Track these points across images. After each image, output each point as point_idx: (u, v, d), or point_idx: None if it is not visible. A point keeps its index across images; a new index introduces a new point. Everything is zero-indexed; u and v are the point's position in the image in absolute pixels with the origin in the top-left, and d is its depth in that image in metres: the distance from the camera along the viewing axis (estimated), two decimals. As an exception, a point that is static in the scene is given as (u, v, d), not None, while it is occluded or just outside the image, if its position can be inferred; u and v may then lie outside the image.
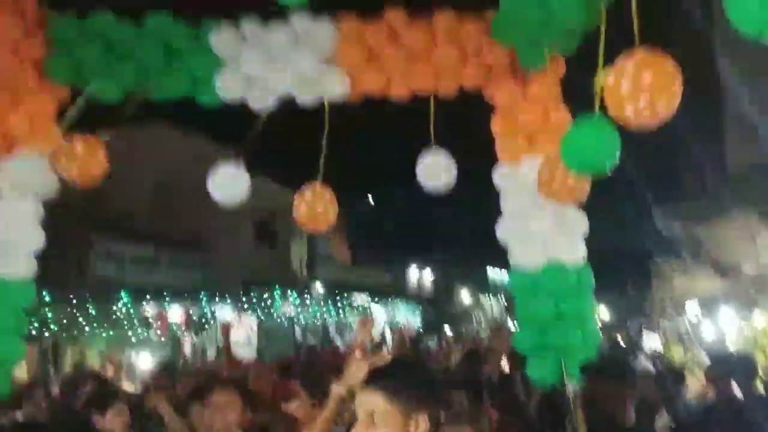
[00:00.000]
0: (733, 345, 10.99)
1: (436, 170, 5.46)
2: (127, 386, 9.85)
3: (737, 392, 4.93)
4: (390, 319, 28.18)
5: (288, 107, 5.64)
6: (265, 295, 19.61)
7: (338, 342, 23.14)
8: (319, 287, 23.90)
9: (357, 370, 2.67)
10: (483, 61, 5.32)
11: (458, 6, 5.32)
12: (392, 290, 30.99)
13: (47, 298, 12.14)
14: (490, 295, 43.18)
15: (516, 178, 5.36)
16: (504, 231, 5.54)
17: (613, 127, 3.68)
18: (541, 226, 5.25)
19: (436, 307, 35.31)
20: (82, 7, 5.35)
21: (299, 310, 21.29)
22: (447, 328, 31.78)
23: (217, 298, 17.99)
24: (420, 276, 37.03)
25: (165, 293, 16.15)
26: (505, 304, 40.19)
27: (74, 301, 13.51)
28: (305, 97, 5.48)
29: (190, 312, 16.91)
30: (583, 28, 4.62)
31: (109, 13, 5.33)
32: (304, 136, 6.38)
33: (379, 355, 2.72)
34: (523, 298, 5.40)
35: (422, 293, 35.88)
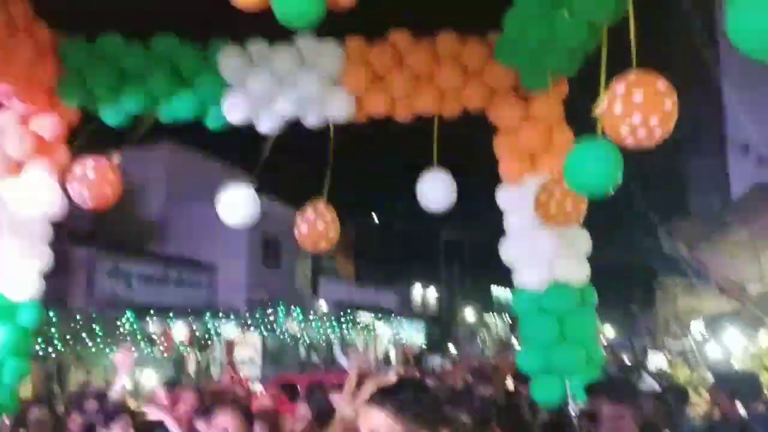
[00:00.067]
0: (738, 364, 10.93)
1: (435, 190, 5.49)
2: (132, 403, 9.85)
3: (741, 411, 4.92)
4: (394, 337, 28.09)
5: (294, 127, 5.70)
6: (270, 313, 19.60)
7: (342, 360, 23.06)
8: (323, 305, 23.88)
9: (361, 391, 2.69)
10: (486, 82, 5.39)
11: (462, 28, 5.39)
12: (396, 308, 30.91)
13: (53, 317, 12.17)
14: (495, 313, 43.01)
15: (519, 197, 5.40)
16: (508, 250, 5.58)
17: (615, 148, 3.73)
18: (545, 246, 5.29)
19: (441, 325, 35.19)
20: (92, 31, 5.44)
21: (303, 328, 21.25)
22: (451, 346, 31.65)
23: (221, 316, 18.00)
24: (424, 294, 36.92)
25: (170, 311, 16.18)
26: (510, 322, 40.02)
27: (79, 320, 13.54)
28: (311, 119, 5.54)
29: (195, 330, 16.91)
30: (585, 51, 4.68)
31: (118, 36, 5.41)
32: (310, 156, 6.45)
33: (384, 377, 2.74)
34: (527, 318, 5.43)
35: (427, 311, 35.76)
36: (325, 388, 8.10)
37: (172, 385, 10.57)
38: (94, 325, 13.83)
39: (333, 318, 23.17)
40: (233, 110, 5.48)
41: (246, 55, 5.40)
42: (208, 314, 17.37)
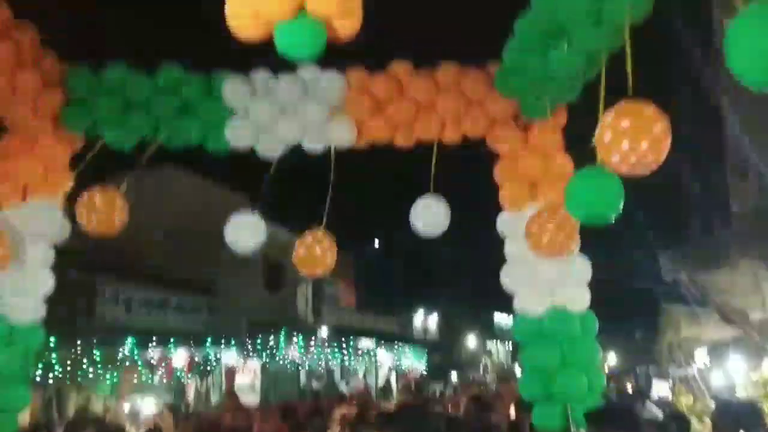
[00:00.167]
0: (742, 392, 10.88)
1: (428, 215, 5.51)
2: (131, 430, 9.81)
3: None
4: (395, 363, 27.93)
5: (297, 154, 5.77)
6: (271, 340, 19.53)
7: (343, 387, 22.92)
8: (324, 331, 23.79)
9: None
10: (486, 111, 5.46)
11: (462, 58, 5.48)
12: (398, 335, 30.77)
13: (52, 342, 12.15)
14: (497, 340, 42.79)
15: (519, 224, 5.42)
16: (508, 277, 5.60)
17: (615, 176, 3.78)
18: (545, 273, 5.31)
19: (443, 352, 34.99)
20: (98, 60, 5.53)
21: (304, 354, 21.16)
22: (453, 373, 31.45)
23: (222, 342, 17.94)
24: (426, 320, 36.79)
25: (171, 337, 16.13)
26: (512, 349, 39.81)
27: (80, 345, 13.50)
28: (313, 146, 5.61)
29: (195, 356, 16.85)
30: (584, 80, 4.74)
31: (124, 65, 5.50)
32: (311, 181, 6.51)
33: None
34: (528, 345, 5.43)
35: (428, 338, 35.60)
36: (325, 415, 8.09)
37: (176, 410, 10.53)
38: (93, 351, 13.79)
39: (334, 344, 23.08)
40: (236, 136, 5.55)
41: (249, 83, 5.48)
42: (208, 340, 17.31)
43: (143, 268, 18.83)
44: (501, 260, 5.72)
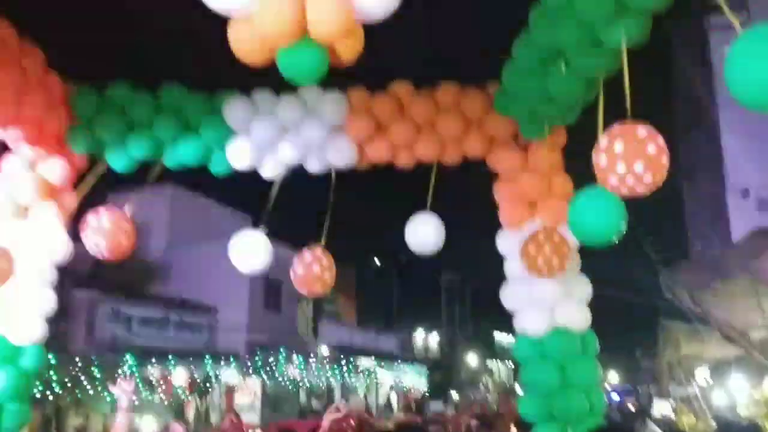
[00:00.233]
0: (743, 411, 10.84)
1: (423, 233, 5.54)
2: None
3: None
4: (396, 382, 27.81)
5: (297, 172, 5.81)
6: (271, 358, 19.48)
7: (342, 406, 22.80)
8: (324, 350, 23.72)
9: None
10: (486, 131, 5.51)
11: (462, 79, 5.54)
12: (398, 353, 30.67)
13: (52, 360, 12.13)
14: (498, 359, 42.63)
15: (519, 244, 5.45)
16: (508, 296, 5.62)
17: (616, 197, 3.82)
18: (546, 292, 5.33)
19: (443, 370, 34.85)
20: (102, 81, 5.59)
21: (304, 373, 21.09)
22: (454, 392, 31.31)
23: (222, 361, 17.89)
24: (426, 339, 36.67)
25: (171, 355, 16.09)
26: (513, 368, 39.64)
27: (79, 363, 13.47)
28: (314, 165, 5.65)
29: (195, 375, 16.79)
30: (582, 102, 4.80)
31: (127, 86, 5.56)
32: (311, 200, 6.55)
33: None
34: (528, 364, 5.44)
35: (429, 356, 35.47)
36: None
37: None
38: (93, 369, 13.76)
39: (334, 362, 23.00)
40: (238, 156, 5.59)
41: (251, 104, 5.53)
42: (208, 358, 17.27)
43: (143, 286, 18.85)
44: (502, 279, 5.74)
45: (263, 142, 5.49)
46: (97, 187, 5.86)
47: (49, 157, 5.46)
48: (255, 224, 5.78)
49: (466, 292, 39.61)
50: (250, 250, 5.44)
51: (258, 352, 19.24)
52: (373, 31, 3.33)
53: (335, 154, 5.55)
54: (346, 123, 5.52)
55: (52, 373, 12.59)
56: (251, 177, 5.77)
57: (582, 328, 5.38)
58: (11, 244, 5.16)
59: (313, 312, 25.45)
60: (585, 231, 4.25)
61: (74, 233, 5.55)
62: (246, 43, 3.24)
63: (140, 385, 14.82)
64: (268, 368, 19.35)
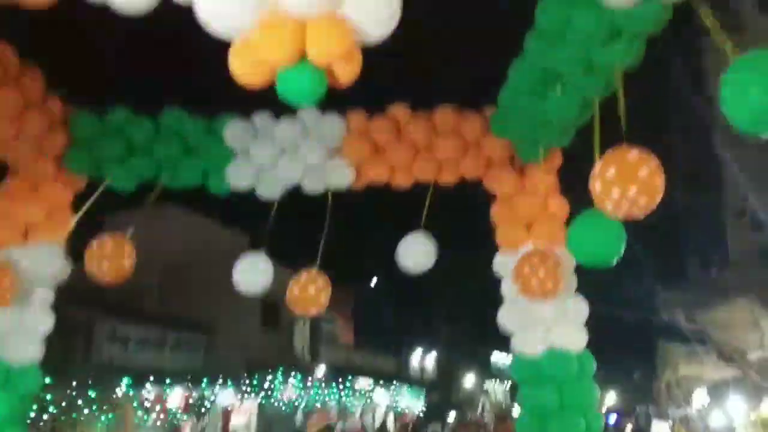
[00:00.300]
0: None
1: (415, 252, 5.57)
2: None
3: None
4: (392, 403, 27.63)
5: (295, 192, 5.85)
6: (268, 379, 19.37)
7: (340, 427, 22.65)
8: (321, 371, 23.59)
9: None
10: (483, 153, 5.56)
11: (459, 102, 5.60)
12: (395, 374, 30.51)
13: (48, 380, 12.04)
14: (495, 379, 42.39)
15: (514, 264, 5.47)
16: (505, 318, 5.62)
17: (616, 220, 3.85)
18: (542, 313, 5.34)
19: (440, 391, 34.65)
20: (102, 103, 5.64)
21: (301, 393, 20.96)
22: (451, 413, 31.10)
23: (219, 382, 17.78)
24: (424, 359, 36.49)
25: (167, 376, 15.99)
26: (510, 389, 39.44)
27: (75, 384, 13.38)
28: (312, 187, 5.69)
29: (191, 396, 16.68)
30: (577, 124, 4.85)
31: (127, 108, 5.61)
32: (309, 220, 6.58)
33: None
34: (525, 386, 5.43)
35: (426, 377, 35.27)
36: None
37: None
38: (89, 390, 13.66)
39: (331, 383, 22.88)
40: (236, 177, 5.64)
41: (251, 125, 5.58)
42: (205, 380, 17.16)
43: (140, 306, 18.77)
44: (499, 299, 5.76)
45: (262, 164, 5.54)
46: (94, 208, 5.88)
47: (48, 179, 5.48)
48: (253, 244, 5.82)
49: (464, 312, 39.50)
50: (255, 272, 5.48)
51: (255, 373, 19.13)
52: (371, 54, 3.37)
53: (333, 176, 5.59)
54: (344, 144, 5.57)
55: (47, 394, 12.49)
56: (247, 197, 5.81)
57: (579, 349, 5.38)
58: (10, 265, 5.17)
59: (310, 332, 25.34)
60: (585, 254, 4.29)
61: (71, 253, 5.59)
62: (245, 65, 3.27)
63: (137, 407, 14.72)
64: (265, 389, 19.24)
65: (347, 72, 3.33)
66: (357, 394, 24.60)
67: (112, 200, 5.97)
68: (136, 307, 18.47)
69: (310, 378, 21.61)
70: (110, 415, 14.29)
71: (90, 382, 13.66)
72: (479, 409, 37.01)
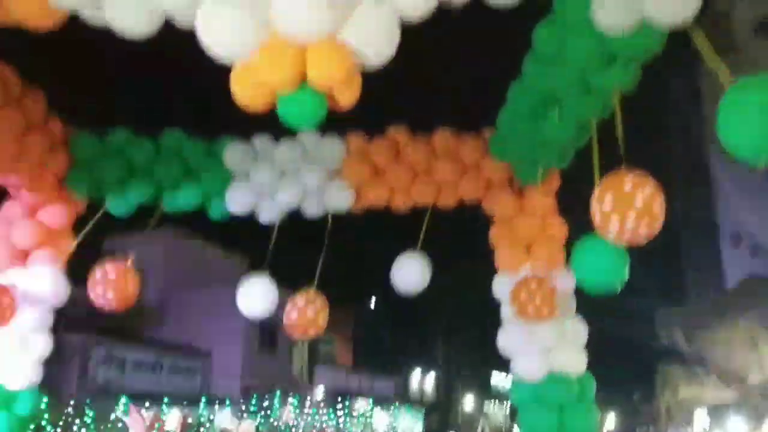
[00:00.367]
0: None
1: (408, 272, 5.56)
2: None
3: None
4: (391, 425, 27.41)
5: (294, 215, 5.85)
6: (266, 401, 19.24)
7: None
8: (320, 392, 23.46)
9: None
10: (481, 175, 5.59)
11: (457, 125, 5.63)
12: (394, 395, 30.32)
13: (44, 403, 11.96)
14: (495, 400, 42.10)
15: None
16: (504, 340, 5.61)
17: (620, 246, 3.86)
18: (542, 336, 5.32)
19: (440, 413, 34.40)
20: (103, 123, 5.67)
21: (299, 415, 20.81)
22: (452, 436, 30.84)
23: (216, 404, 17.67)
24: (423, 381, 36.28)
25: (164, 399, 15.89)
26: (509, 410, 39.16)
27: (72, 406, 13.30)
28: (311, 210, 5.70)
29: (188, 418, 16.56)
30: (575, 147, 4.88)
31: (128, 130, 5.63)
32: (307, 242, 6.59)
33: None
34: (526, 409, 5.41)
35: (425, 399, 35.04)
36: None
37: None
38: (85, 413, 13.58)
39: (329, 406, 22.73)
40: (236, 201, 5.64)
41: (251, 148, 5.61)
42: (202, 402, 17.06)
43: (137, 329, 18.71)
44: (498, 319, 5.75)
45: (262, 187, 5.55)
46: (93, 230, 5.89)
47: (48, 202, 5.49)
48: (252, 266, 5.83)
49: (463, 333, 39.32)
50: (258, 295, 5.47)
51: (253, 395, 19.02)
52: (370, 77, 3.40)
53: (333, 198, 5.61)
54: (343, 167, 5.59)
55: (44, 417, 12.40)
56: (245, 219, 5.81)
57: (579, 372, 5.36)
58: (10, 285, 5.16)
59: (309, 354, 25.23)
60: (590, 279, 4.28)
61: (69, 276, 5.58)
62: (246, 89, 3.31)
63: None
64: (263, 411, 19.11)
65: (347, 96, 3.37)
66: (355, 415, 24.42)
67: (110, 222, 5.97)
68: (131, 330, 18.40)
69: (308, 399, 21.47)
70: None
71: (87, 404, 13.58)
72: (479, 431, 36.72)
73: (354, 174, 5.58)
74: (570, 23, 3.81)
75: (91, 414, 13.58)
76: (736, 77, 2.98)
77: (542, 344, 5.31)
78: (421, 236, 5.69)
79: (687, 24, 3.34)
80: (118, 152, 5.56)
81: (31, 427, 11.51)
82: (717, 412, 13.66)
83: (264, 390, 19.50)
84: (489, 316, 6.10)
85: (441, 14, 3.21)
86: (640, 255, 4.07)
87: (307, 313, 5.36)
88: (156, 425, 11.50)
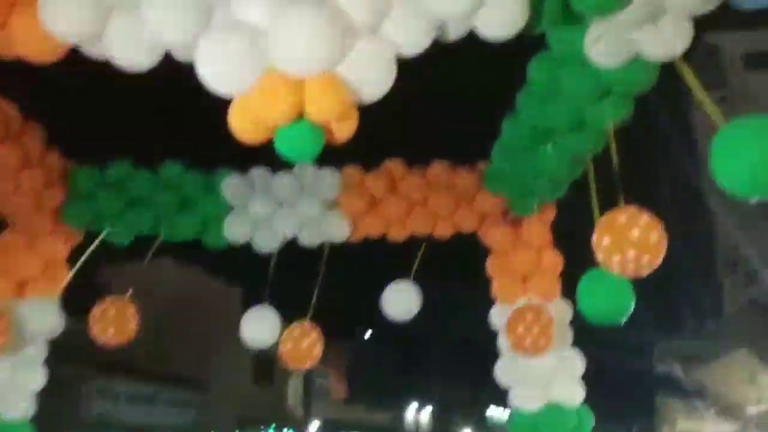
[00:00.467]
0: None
1: (398, 301, 5.60)
2: None
3: None
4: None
5: (288, 245, 5.88)
6: (261, 434, 19.03)
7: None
8: (314, 426, 23.18)
9: None
10: (477, 207, 5.64)
11: (452, 157, 5.70)
12: (390, 429, 29.99)
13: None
14: (492, 434, 41.65)
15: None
16: (503, 372, 5.59)
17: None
18: (539, 367, 5.31)
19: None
20: (101, 156, 5.71)
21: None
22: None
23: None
24: (419, 414, 35.91)
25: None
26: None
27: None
28: (308, 240, 5.73)
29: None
30: (570, 180, 4.92)
31: (127, 163, 5.67)
32: (303, 272, 6.61)
33: None
34: (524, 441, 5.37)
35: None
36: None
37: None
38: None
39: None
40: (234, 231, 5.67)
41: (248, 180, 5.65)
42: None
43: (131, 361, 18.52)
44: (495, 351, 5.73)
45: (259, 217, 5.58)
46: (88, 261, 5.89)
47: (46, 234, 5.50)
48: (246, 297, 5.84)
49: (459, 366, 39.05)
50: (263, 325, 5.48)
51: (248, 428, 18.80)
52: (366, 110, 3.45)
53: (329, 229, 5.64)
54: (340, 199, 5.64)
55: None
56: (240, 250, 5.84)
57: (577, 404, 5.35)
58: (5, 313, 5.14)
59: (304, 387, 24.99)
60: (595, 312, 4.30)
61: (63, 307, 5.58)
62: (244, 123, 3.34)
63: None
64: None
65: (344, 130, 3.41)
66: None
67: (104, 253, 5.98)
68: (126, 362, 18.22)
69: (303, 434, 21.23)
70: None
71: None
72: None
73: (350, 205, 5.62)
74: (564, 57, 3.87)
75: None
76: (726, 114, 3.03)
77: (540, 375, 5.30)
78: (414, 267, 5.73)
79: (679, 57, 3.40)
80: (117, 185, 5.59)
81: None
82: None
83: (259, 423, 19.29)
84: (487, 347, 6.08)
85: (436, 48, 3.26)
86: (637, 286, 4.10)
87: (302, 343, 5.38)
88: None
